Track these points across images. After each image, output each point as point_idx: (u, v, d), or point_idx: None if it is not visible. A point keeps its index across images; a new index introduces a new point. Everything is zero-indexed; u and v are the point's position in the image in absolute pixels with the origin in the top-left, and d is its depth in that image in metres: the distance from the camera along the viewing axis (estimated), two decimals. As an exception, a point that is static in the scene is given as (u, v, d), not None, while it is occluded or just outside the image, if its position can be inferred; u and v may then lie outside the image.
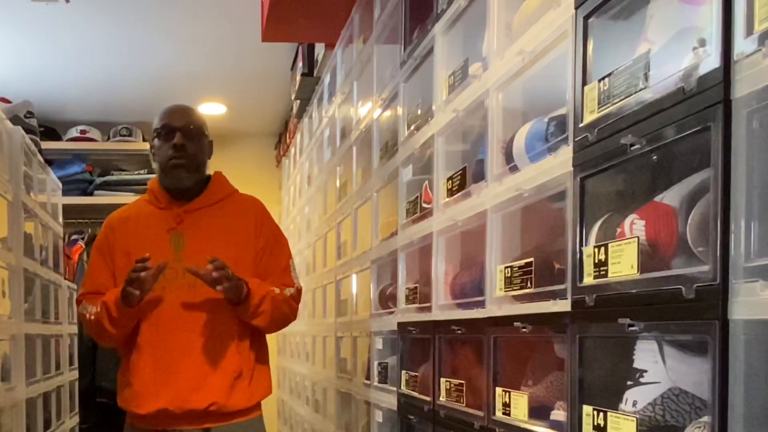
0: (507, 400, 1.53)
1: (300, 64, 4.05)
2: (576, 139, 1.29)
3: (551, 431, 1.39)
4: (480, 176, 1.72)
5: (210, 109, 5.32)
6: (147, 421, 2.18)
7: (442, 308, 1.95)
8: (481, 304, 1.66)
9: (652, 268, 1.10)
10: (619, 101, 1.16)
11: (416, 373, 2.17)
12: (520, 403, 1.48)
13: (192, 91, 4.92)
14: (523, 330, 1.47)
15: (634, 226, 1.16)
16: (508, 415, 1.52)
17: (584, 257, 1.24)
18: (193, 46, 4.23)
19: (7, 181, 2.52)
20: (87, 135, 4.98)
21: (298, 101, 4.41)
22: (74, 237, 4.83)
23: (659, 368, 1.19)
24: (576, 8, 1.29)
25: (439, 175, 1.97)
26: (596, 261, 1.20)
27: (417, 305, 2.13)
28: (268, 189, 5.83)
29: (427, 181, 2.10)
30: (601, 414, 1.18)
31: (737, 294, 0.93)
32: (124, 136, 4.98)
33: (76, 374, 3.90)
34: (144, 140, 4.99)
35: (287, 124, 5.30)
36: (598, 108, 1.21)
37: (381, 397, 2.53)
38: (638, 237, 1.12)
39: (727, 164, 0.94)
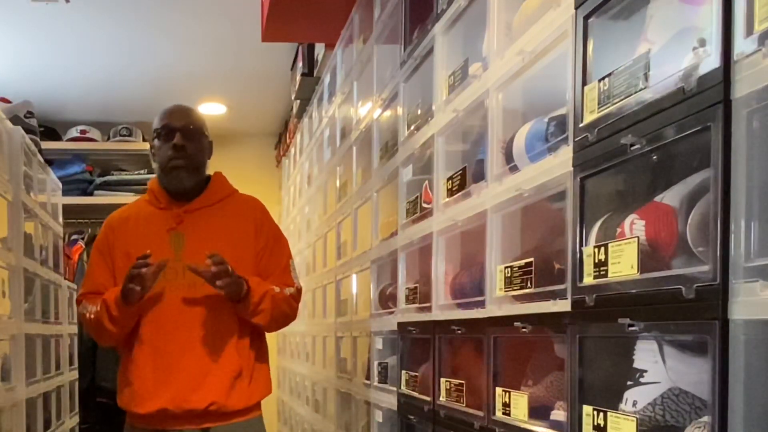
0: (507, 400, 1.53)
1: (300, 64, 4.05)
2: (576, 139, 1.29)
3: (551, 431, 1.39)
4: (480, 176, 1.72)
5: (210, 109, 5.32)
6: (147, 421, 2.18)
7: (442, 308, 1.95)
8: (481, 304, 1.66)
9: (652, 268, 1.10)
10: (619, 101, 1.16)
11: (416, 373, 2.17)
12: (520, 403, 1.48)
13: (192, 91, 4.92)
14: (523, 330, 1.47)
15: (634, 226, 1.16)
16: (508, 415, 1.52)
17: (584, 257, 1.24)
18: (193, 46, 4.23)
19: (7, 181, 2.52)
20: (87, 135, 4.98)
21: (298, 101, 4.41)
22: (74, 237, 4.83)
23: (659, 368, 1.19)
24: (576, 8, 1.29)
25: (439, 175, 1.97)
26: (596, 261, 1.20)
27: (417, 305, 2.13)
28: (268, 189, 5.83)
29: (427, 181, 2.10)
30: (601, 414, 1.18)
31: (737, 294, 0.93)
32: (124, 136, 4.98)
33: (76, 374, 3.90)
34: (144, 140, 4.99)
35: (287, 124, 5.30)
36: (598, 108, 1.21)
37: (381, 397, 2.53)
38: (638, 237, 1.12)
39: (727, 164, 0.94)
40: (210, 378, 2.14)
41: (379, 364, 2.55)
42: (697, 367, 1.12)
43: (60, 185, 3.78)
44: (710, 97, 0.97)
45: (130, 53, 4.30)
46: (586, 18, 1.27)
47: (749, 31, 0.92)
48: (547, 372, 1.55)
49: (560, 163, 1.34)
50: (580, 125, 1.26)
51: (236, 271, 2.08)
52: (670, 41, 1.13)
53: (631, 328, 1.13)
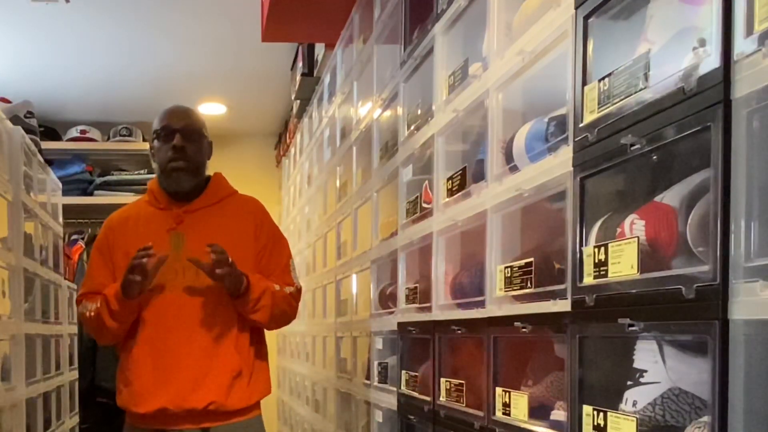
0: (507, 400, 1.53)
1: (300, 64, 4.05)
2: (576, 139, 1.29)
3: (551, 431, 1.39)
4: (480, 176, 1.72)
5: (210, 109, 5.32)
6: (146, 421, 2.18)
7: (442, 308, 1.95)
8: (481, 304, 1.66)
9: (652, 268, 1.10)
10: (619, 101, 1.16)
11: (416, 373, 2.17)
12: (520, 403, 1.48)
13: (192, 91, 4.92)
14: (523, 330, 1.47)
15: (634, 226, 1.16)
16: (508, 415, 1.52)
17: (584, 257, 1.24)
18: (193, 46, 4.23)
19: (7, 181, 2.52)
20: (87, 135, 4.98)
21: (298, 101, 4.41)
22: (74, 237, 4.82)
23: (659, 368, 1.19)
24: (576, 8, 1.29)
25: (439, 175, 1.97)
26: (596, 261, 1.20)
27: (417, 305, 2.13)
28: (268, 189, 5.83)
29: (427, 181, 2.10)
30: (601, 414, 1.18)
31: (737, 294, 0.93)
32: (124, 136, 4.98)
33: (76, 374, 3.90)
34: (144, 140, 4.99)
35: (287, 124, 5.30)
36: (598, 108, 1.21)
37: (381, 397, 2.53)
38: (638, 237, 1.12)
39: (727, 164, 0.94)
40: (209, 378, 2.14)
41: (379, 364, 2.55)
42: (697, 367, 1.12)
43: (60, 185, 3.78)
44: (710, 97, 0.97)
45: (130, 53, 4.30)
46: (586, 18, 1.27)
47: (749, 31, 0.92)
48: (547, 372, 1.55)
49: (560, 163, 1.34)
50: (580, 125, 1.26)
51: (236, 267, 2.08)
52: (670, 41, 1.13)
53: (631, 328, 1.13)
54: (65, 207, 3.94)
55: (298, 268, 4.04)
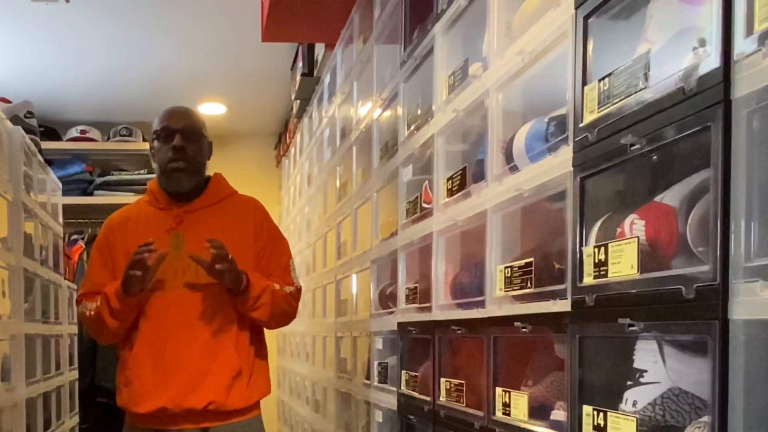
0: (507, 400, 1.53)
1: (300, 64, 4.05)
2: (576, 139, 1.29)
3: (551, 431, 1.39)
4: (480, 176, 1.72)
5: (210, 109, 5.32)
6: (146, 421, 2.18)
7: (442, 308, 1.95)
8: (481, 304, 1.66)
9: (652, 268, 1.10)
10: (619, 101, 1.16)
11: (416, 373, 2.17)
12: (520, 403, 1.48)
13: (192, 91, 4.92)
14: (523, 330, 1.47)
15: (634, 226, 1.16)
16: (508, 415, 1.52)
17: (584, 257, 1.24)
18: (193, 46, 4.23)
19: (7, 181, 2.52)
20: (87, 135, 4.98)
21: (298, 101, 4.41)
22: (74, 237, 4.82)
23: (659, 368, 1.19)
24: (576, 8, 1.29)
25: (439, 175, 1.97)
26: (596, 261, 1.20)
27: (417, 305, 2.13)
28: (268, 189, 5.83)
29: (427, 181, 2.10)
30: (601, 414, 1.18)
31: (737, 294, 0.93)
32: (124, 136, 4.98)
33: (76, 374, 3.90)
34: (144, 140, 4.98)
35: (287, 124, 5.30)
36: (598, 108, 1.21)
37: (381, 397, 2.53)
38: (638, 237, 1.12)
39: (727, 164, 0.94)
40: (209, 377, 2.14)
41: (379, 364, 2.55)
42: (697, 367, 1.12)
43: (60, 185, 3.78)
44: (710, 97, 0.97)
45: (130, 53, 4.30)
46: (586, 18, 1.27)
47: (749, 31, 0.92)
48: (547, 372, 1.55)
49: (560, 163, 1.34)
50: (580, 125, 1.26)
51: (236, 265, 2.08)
52: (670, 41, 1.13)
53: (631, 328, 1.13)
54: (65, 207, 3.94)
55: (298, 268, 4.03)
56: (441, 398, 1.93)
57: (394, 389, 2.35)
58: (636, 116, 1.12)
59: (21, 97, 3.58)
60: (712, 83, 0.96)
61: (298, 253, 4.50)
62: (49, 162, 3.82)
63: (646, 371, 1.21)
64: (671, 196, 1.13)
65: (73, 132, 4.99)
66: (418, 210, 2.13)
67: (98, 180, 4.93)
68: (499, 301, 1.58)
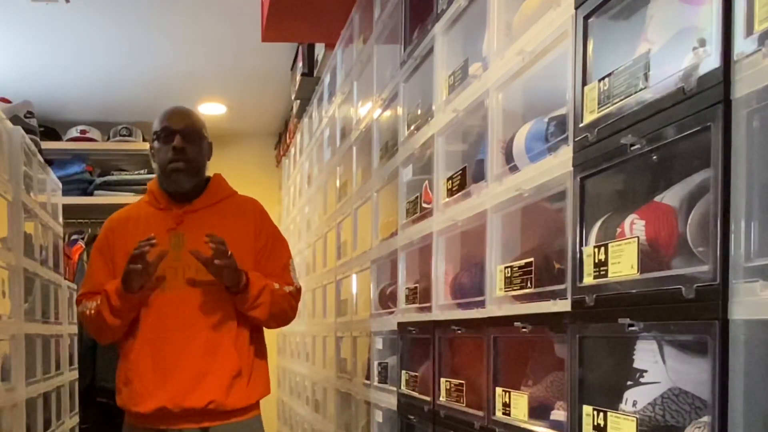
0: (507, 400, 1.53)
1: (300, 64, 4.05)
2: (576, 139, 1.29)
3: (551, 431, 1.39)
4: (480, 176, 1.72)
5: (210, 109, 5.32)
6: (146, 420, 2.18)
7: (442, 308, 1.95)
8: (481, 304, 1.66)
9: (652, 268, 1.10)
10: (619, 101, 1.16)
11: (416, 373, 2.17)
12: (520, 403, 1.48)
13: (192, 91, 4.92)
14: (523, 330, 1.47)
15: (634, 226, 1.16)
16: (508, 415, 1.52)
17: (584, 257, 1.24)
18: (193, 46, 4.23)
19: (7, 181, 2.52)
20: (87, 135, 4.98)
21: (298, 101, 4.41)
22: (74, 237, 4.82)
23: (659, 368, 1.19)
24: (576, 8, 1.29)
25: (439, 175, 1.97)
26: (596, 261, 1.20)
27: (417, 305, 2.13)
28: (268, 189, 5.83)
29: (427, 181, 2.10)
30: (601, 414, 1.18)
31: (737, 294, 0.93)
32: (124, 136, 4.98)
33: (76, 374, 3.90)
34: (144, 140, 4.98)
35: (287, 124, 5.30)
36: (598, 108, 1.21)
37: (381, 397, 2.53)
38: (638, 237, 1.12)
39: (727, 164, 0.94)
40: (209, 377, 2.15)
41: (379, 364, 2.55)
42: (697, 367, 1.12)
43: (60, 185, 3.77)
44: (710, 97, 0.97)
45: (130, 53, 4.30)
46: (586, 18, 1.27)
47: (749, 31, 0.92)
48: (547, 372, 1.55)
49: (560, 163, 1.34)
50: (580, 125, 1.26)
51: (236, 263, 2.09)
52: (670, 41, 1.13)
53: (631, 328, 1.13)
54: (65, 207, 3.94)
55: (298, 268, 4.03)
56: (441, 398, 1.93)
57: (394, 389, 2.35)
58: (636, 116, 1.12)
59: (21, 97, 3.57)
60: (712, 83, 0.97)
61: (298, 253, 4.50)
62: (49, 162, 3.82)
63: (646, 371, 1.21)
64: (671, 196, 1.13)
65: (73, 132, 4.99)
66: (418, 210, 2.13)
67: (98, 180, 4.93)
68: (499, 301, 1.58)
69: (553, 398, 1.49)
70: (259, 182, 5.55)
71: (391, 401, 2.39)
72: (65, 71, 4.54)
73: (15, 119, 3.01)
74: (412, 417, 2.18)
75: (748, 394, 0.92)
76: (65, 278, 3.68)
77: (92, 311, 2.18)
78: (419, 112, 2.19)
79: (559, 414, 1.40)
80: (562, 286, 1.33)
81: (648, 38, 1.18)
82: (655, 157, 1.14)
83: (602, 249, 1.18)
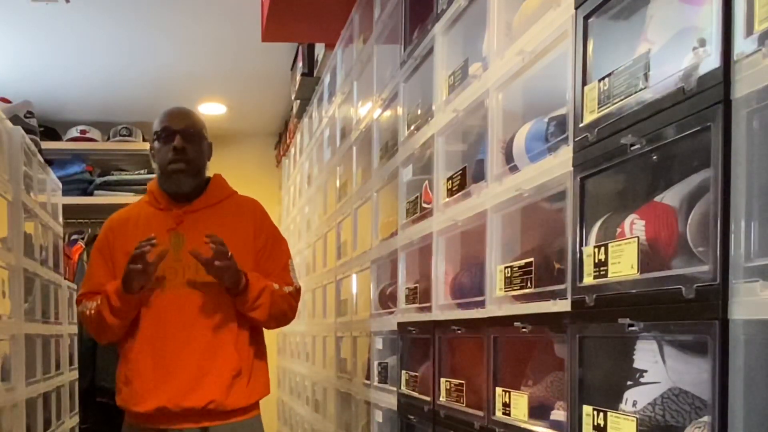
0: (507, 400, 1.53)
1: (300, 64, 4.05)
2: (576, 139, 1.29)
3: (551, 431, 1.39)
4: (480, 176, 1.72)
5: (210, 109, 5.32)
6: (145, 420, 2.18)
7: (442, 308, 1.95)
8: (481, 304, 1.66)
9: (652, 268, 1.10)
10: (619, 101, 1.16)
11: (416, 373, 2.17)
12: (520, 403, 1.48)
13: (192, 91, 4.92)
14: (523, 330, 1.47)
15: (634, 226, 1.16)
16: (508, 415, 1.52)
17: (584, 257, 1.24)
18: (193, 46, 4.23)
19: (7, 181, 2.52)
20: (87, 135, 4.98)
21: (298, 101, 4.41)
22: (74, 237, 4.82)
23: (659, 368, 1.19)
24: (576, 8, 1.29)
25: (439, 175, 1.97)
26: (596, 261, 1.20)
27: (417, 305, 2.13)
28: (268, 189, 5.83)
29: (427, 181, 2.10)
30: (601, 414, 1.18)
31: (737, 294, 0.93)
32: (124, 136, 4.98)
33: (76, 374, 3.90)
34: (144, 140, 4.99)
35: (287, 124, 5.30)
36: (598, 108, 1.21)
37: (381, 397, 2.53)
38: (638, 237, 1.12)
39: (727, 164, 0.94)
40: (209, 377, 2.15)
41: (379, 364, 2.55)
42: (697, 367, 1.12)
43: (60, 185, 3.77)
44: (710, 97, 0.97)
45: (130, 53, 4.30)
46: (586, 18, 1.27)
47: (749, 31, 0.92)
48: (547, 372, 1.55)
49: (560, 163, 1.34)
50: (580, 125, 1.26)
51: (236, 264, 2.09)
52: (670, 41, 1.13)
53: (631, 328, 1.13)
54: (65, 207, 3.94)
55: (298, 268, 4.02)
56: (441, 398, 1.93)
57: (394, 389, 2.35)
58: (636, 116, 1.12)
59: (21, 97, 3.57)
60: (712, 83, 0.97)
61: (298, 253, 4.50)
62: (49, 162, 3.82)
63: (646, 371, 1.21)
64: (671, 196, 1.13)
65: (73, 132, 4.99)
66: (418, 210, 2.13)
67: (98, 180, 4.93)
68: (499, 301, 1.58)
69: (553, 398, 1.49)
70: (259, 182, 5.55)
71: (391, 401, 2.39)
72: (65, 71, 4.54)
73: (15, 119, 3.01)
74: (412, 417, 2.18)
75: (748, 394, 0.92)
76: (65, 278, 3.68)
77: (92, 311, 2.18)
78: (419, 112, 2.19)
79: (559, 414, 1.40)
80: (562, 286, 1.33)
81: (648, 38, 1.18)
82: (655, 157, 1.14)
83: (602, 249, 1.18)
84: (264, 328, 2.31)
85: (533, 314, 1.43)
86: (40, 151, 3.17)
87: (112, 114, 5.24)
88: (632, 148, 1.13)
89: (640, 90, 1.11)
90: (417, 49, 2.15)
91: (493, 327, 1.61)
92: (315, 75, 3.95)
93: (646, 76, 1.10)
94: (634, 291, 1.11)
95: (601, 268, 1.18)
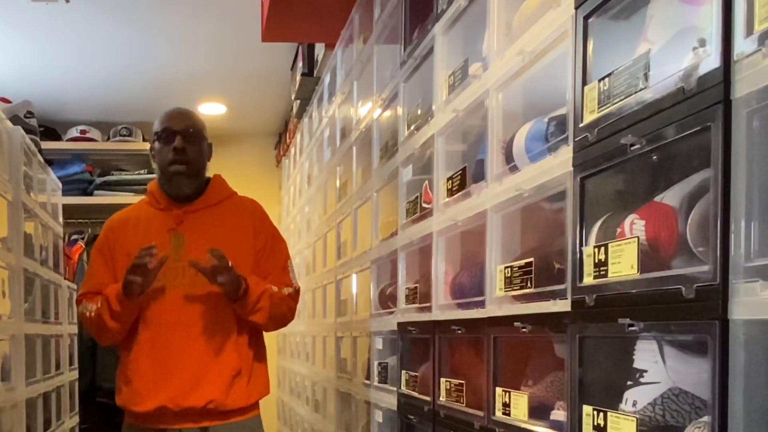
0: (507, 400, 1.53)
1: (300, 64, 4.05)
2: (576, 139, 1.29)
3: (551, 431, 1.39)
4: (480, 176, 1.72)
5: (210, 109, 5.32)
6: (145, 419, 2.18)
7: (442, 308, 1.95)
8: (481, 304, 1.66)
9: (652, 268, 1.10)
10: (619, 101, 1.16)
11: (416, 373, 2.17)
12: (520, 403, 1.48)
13: (192, 91, 4.92)
14: (523, 330, 1.47)
15: (634, 226, 1.16)
16: (508, 415, 1.52)
17: (584, 257, 1.24)
18: (193, 46, 4.23)
19: (7, 181, 2.52)
20: (87, 135, 4.98)
21: (298, 101, 4.41)
22: (74, 237, 4.83)
23: (659, 368, 1.19)
24: (576, 8, 1.29)
25: (439, 175, 1.97)
26: (596, 261, 1.20)
27: (417, 305, 2.13)
28: (268, 189, 5.83)
29: (427, 181, 2.10)
30: (601, 414, 1.18)
31: (737, 294, 0.93)
32: (124, 136, 4.98)
33: (76, 374, 3.90)
34: (144, 140, 4.99)
35: (287, 124, 5.30)
36: (598, 108, 1.21)
37: (381, 397, 2.53)
38: (638, 237, 1.12)
39: (727, 164, 0.94)
40: (209, 376, 2.15)
41: (379, 364, 2.55)
42: (697, 367, 1.12)
43: (60, 185, 3.77)
44: (710, 97, 0.97)
45: (130, 53, 4.30)
46: (586, 18, 1.27)
47: (749, 31, 0.92)
48: (547, 372, 1.55)
49: (560, 163, 1.34)
50: (580, 125, 1.26)
51: (235, 270, 2.09)
52: (670, 41, 1.13)
53: (631, 328, 1.13)
54: (65, 207, 3.94)
55: (298, 269, 4.02)
56: (441, 398, 1.93)
57: (394, 389, 2.35)
58: (636, 116, 1.12)
59: (21, 97, 3.57)
60: (712, 83, 0.97)
61: (297, 253, 4.50)
62: (49, 162, 3.82)
63: (646, 371, 1.21)
64: (671, 196, 1.13)
65: (73, 132, 4.99)
66: (418, 210, 2.13)
67: (98, 180, 4.93)
68: (499, 301, 1.58)
69: (553, 398, 1.49)
70: (259, 182, 5.56)
71: (391, 401, 2.39)
72: (65, 71, 4.54)
73: (15, 119, 3.01)
74: (412, 417, 2.18)
75: (748, 394, 0.92)
76: (65, 278, 3.68)
77: (92, 313, 2.19)
78: (419, 112, 2.19)
79: (559, 414, 1.40)
80: (562, 286, 1.33)
81: (648, 38, 1.18)
82: (655, 157, 1.14)
83: (602, 249, 1.18)
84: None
85: (533, 314, 1.43)
86: (40, 151, 3.17)
87: (112, 114, 5.24)
88: (632, 148, 1.13)
89: (640, 90, 1.11)
90: (417, 49, 2.15)
91: (493, 327, 1.61)
92: (315, 75, 3.95)
93: (646, 76, 1.10)
94: (634, 291, 1.11)
95: (601, 268, 1.18)
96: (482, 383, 1.66)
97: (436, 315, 1.98)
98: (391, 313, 2.41)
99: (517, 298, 1.52)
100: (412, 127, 2.20)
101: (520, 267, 1.49)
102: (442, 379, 1.93)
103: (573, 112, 1.30)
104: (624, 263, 1.13)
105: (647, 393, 1.19)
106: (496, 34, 1.62)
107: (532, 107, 1.58)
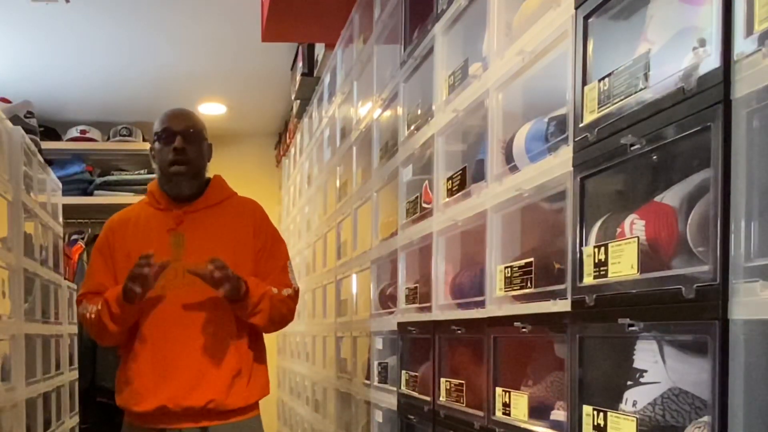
0: (507, 400, 1.53)
1: (300, 64, 4.05)
2: (576, 139, 1.29)
3: (551, 431, 1.39)
4: (480, 176, 1.72)
5: (210, 109, 5.32)
6: (145, 419, 2.18)
7: (442, 308, 1.95)
8: (481, 304, 1.66)
9: (652, 268, 1.10)
10: (619, 101, 1.16)
11: (416, 373, 2.17)
12: (520, 403, 1.49)
13: (192, 91, 4.92)
14: (523, 330, 1.47)
15: (634, 226, 1.16)
16: (508, 415, 1.53)
17: (584, 257, 1.24)
18: (193, 46, 4.23)
19: (7, 181, 2.52)
20: (87, 135, 4.98)
21: (298, 101, 4.41)
22: (74, 237, 4.83)
23: (659, 368, 1.19)
24: (576, 8, 1.29)
25: (439, 175, 1.97)
26: (596, 261, 1.20)
27: (417, 305, 2.13)
28: (268, 189, 5.83)
29: (427, 181, 2.10)
30: (601, 414, 1.18)
31: (737, 294, 0.93)
32: (124, 136, 4.98)
33: (76, 374, 3.90)
34: (144, 140, 4.99)
35: (287, 124, 5.30)
36: (598, 108, 1.21)
37: (381, 397, 2.53)
38: (638, 237, 1.12)
39: (727, 164, 0.94)
40: (209, 376, 2.15)
41: (379, 364, 2.55)
42: (697, 367, 1.12)
43: (60, 185, 3.78)
44: (710, 97, 0.97)
45: (130, 53, 4.30)
46: (586, 18, 1.27)
47: (749, 31, 0.92)
48: (547, 372, 1.55)
49: (560, 163, 1.34)
50: (580, 125, 1.26)
51: (235, 271, 2.09)
52: (670, 41, 1.13)
53: (631, 328, 1.13)
54: (65, 207, 3.94)
55: (298, 269, 4.02)
56: (441, 398, 1.93)
57: (394, 389, 2.35)
58: (636, 116, 1.12)
59: (21, 97, 3.57)
60: (712, 83, 0.97)
61: (297, 253, 4.50)
62: (49, 162, 3.82)
63: (646, 371, 1.21)
64: (671, 196, 1.13)
65: (73, 132, 4.99)
66: (418, 210, 2.13)
67: (98, 180, 4.93)
68: (499, 301, 1.58)
69: (553, 398, 1.49)
70: (259, 182, 5.56)
71: (391, 401, 2.39)
72: (65, 71, 4.54)
73: (15, 119, 3.01)
74: (412, 417, 2.18)
75: (748, 394, 0.92)
76: (65, 278, 3.68)
77: (92, 315, 2.18)
78: (419, 112, 2.19)
79: (559, 414, 1.40)
80: (562, 286, 1.33)
81: (648, 38, 1.18)
82: (655, 157, 1.14)
83: (602, 249, 1.18)
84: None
85: (533, 314, 1.43)
86: (40, 151, 3.17)
87: (112, 114, 5.24)
88: (632, 148, 1.13)
89: (640, 90, 1.11)
90: (417, 49, 2.15)
91: (493, 327, 1.61)
92: (315, 75, 3.95)
93: (646, 76, 1.10)
94: (634, 291, 1.11)
95: (601, 268, 1.18)
96: (482, 383, 1.66)
97: (436, 315, 1.98)
98: (391, 313, 2.41)
99: (517, 298, 1.52)
100: (412, 127, 2.20)
101: (520, 267, 1.49)
102: (442, 379, 1.93)
103: (573, 112, 1.30)
104: (624, 263, 1.13)
105: (647, 393, 1.19)
106: (496, 34, 1.62)
107: (532, 107, 1.58)
